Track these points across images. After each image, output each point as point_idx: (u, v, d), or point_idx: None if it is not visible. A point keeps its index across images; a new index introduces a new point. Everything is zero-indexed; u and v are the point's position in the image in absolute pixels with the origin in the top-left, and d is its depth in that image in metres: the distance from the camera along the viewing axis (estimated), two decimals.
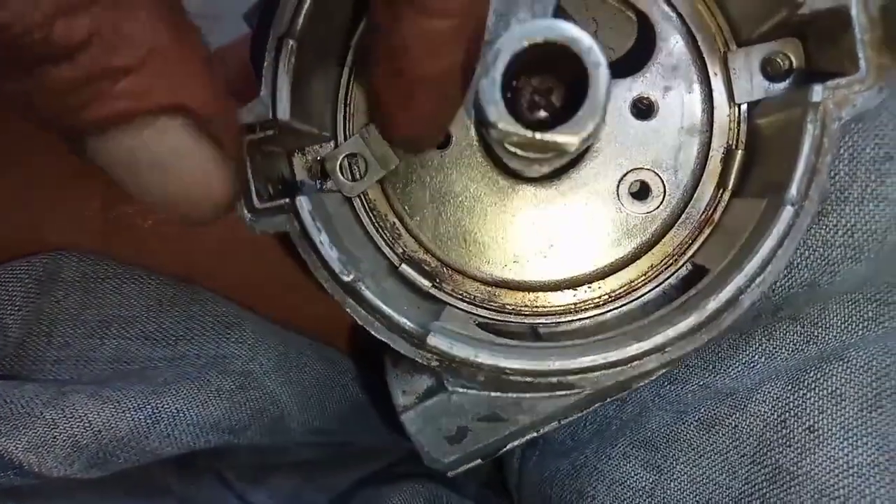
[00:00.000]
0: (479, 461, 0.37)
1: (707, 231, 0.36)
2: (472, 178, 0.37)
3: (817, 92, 0.29)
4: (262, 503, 0.50)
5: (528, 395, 0.34)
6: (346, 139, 0.37)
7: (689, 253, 0.36)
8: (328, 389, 0.48)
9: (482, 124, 0.27)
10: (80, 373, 0.41)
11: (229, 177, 0.26)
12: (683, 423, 0.41)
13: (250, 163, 0.32)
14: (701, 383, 0.41)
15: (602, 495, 0.42)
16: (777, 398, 0.38)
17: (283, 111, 0.31)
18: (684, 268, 0.36)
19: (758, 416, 0.38)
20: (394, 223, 0.37)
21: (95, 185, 0.41)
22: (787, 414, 0.37)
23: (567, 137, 0.25)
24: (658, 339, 0.30)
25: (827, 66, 0.32)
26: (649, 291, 0.36)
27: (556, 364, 0.31)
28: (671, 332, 0.30)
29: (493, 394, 0.34)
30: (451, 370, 0.32)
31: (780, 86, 0.34)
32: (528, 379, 0.31)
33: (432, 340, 0.31)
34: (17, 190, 0.41)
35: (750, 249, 0.30)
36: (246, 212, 0.33)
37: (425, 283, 0.37)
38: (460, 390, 0.34)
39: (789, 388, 0.38)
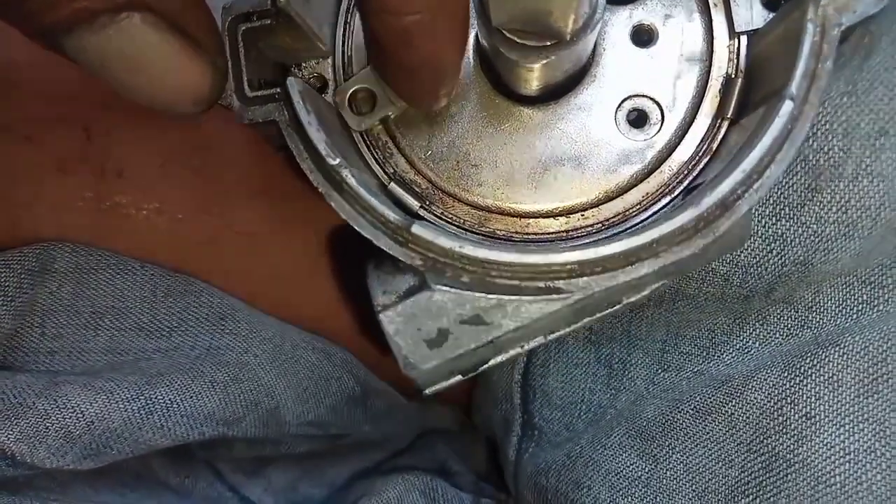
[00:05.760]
0: (458, 377, 0.36)
1: (705, 160, 0.35)
2: (468, 97, 0.36)
3: None
4: (258, 497, 0.50)
5: (513, 297, 0.32)
6: (343, 56, 0.36)
7: (686, 182, 0.35)
8: (323, 381, 0.48)
9: (482, 9, 0.26)
10: (73, 364, 0.41)
11: (206, 71, 0.26)
12: (679, 412, 0.40)
13: (244, 53, 0.32)
14: (695, 370, 0.41)
15: (598, 486, 0.42)
16: (773, 385, 0.38)
17: None
18: (680, 196, 0.35)
19: (753, 404, 0.38)
20: (385, 142, 0.36)
21: (88, 176, 0.41)
22: (783, 401, 0.37)
23: None
24: (651, 234, 0.29)
25: None
26: (644, 220, 0.35)
27: (542, 258, 0.30)
28: (665, 228, 0.29)
29: (477, 294, 0.33)
30: (434, 269, 0.31)
31: None
32: (515, 282, 0.31)
33: (417, 230, 0.30)
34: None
35: (748, 145, 0.29)
36: (236, 100, 0.33)
37: (414, 203, 0.36)
38: (443, 289, 0.33)
39: (785, 374, 0.38)
